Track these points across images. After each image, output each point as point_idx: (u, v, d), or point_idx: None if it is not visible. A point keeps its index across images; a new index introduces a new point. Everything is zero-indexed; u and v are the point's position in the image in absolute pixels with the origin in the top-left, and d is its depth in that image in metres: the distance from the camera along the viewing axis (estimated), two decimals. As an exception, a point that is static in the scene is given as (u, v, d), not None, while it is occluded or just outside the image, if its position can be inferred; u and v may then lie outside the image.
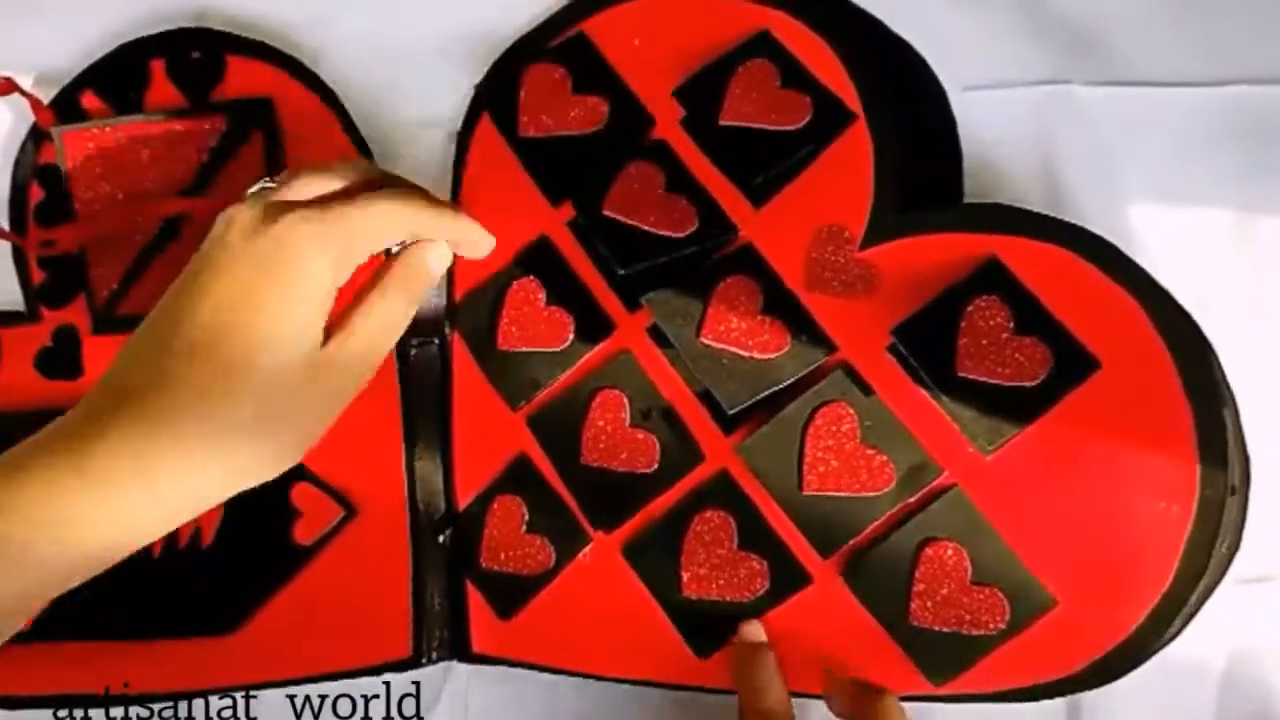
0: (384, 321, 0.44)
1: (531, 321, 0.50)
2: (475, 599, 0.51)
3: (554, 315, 0.50)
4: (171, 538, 0.53)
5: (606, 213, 0.49)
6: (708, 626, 0.47)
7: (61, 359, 0.55)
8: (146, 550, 0.52)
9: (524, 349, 0.51)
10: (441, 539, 0.52)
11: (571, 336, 0.50)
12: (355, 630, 0.51)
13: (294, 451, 0.42)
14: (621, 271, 0.49)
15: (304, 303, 0.40)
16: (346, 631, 0.51)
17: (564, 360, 0.50)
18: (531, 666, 0.51)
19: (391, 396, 0.52)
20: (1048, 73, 0.50)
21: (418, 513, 0.52)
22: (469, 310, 0.52)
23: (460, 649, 0.52)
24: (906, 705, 0.46)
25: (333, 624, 0.51)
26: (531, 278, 0.51)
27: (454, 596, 0.52)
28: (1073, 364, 0.43)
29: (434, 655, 0.51)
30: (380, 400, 0.52)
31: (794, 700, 0.47)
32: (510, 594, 0.51)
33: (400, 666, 0.51)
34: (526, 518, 0.50)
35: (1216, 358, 0.43)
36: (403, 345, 0.52)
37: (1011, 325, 0.44)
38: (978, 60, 0.50)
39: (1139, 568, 0.43)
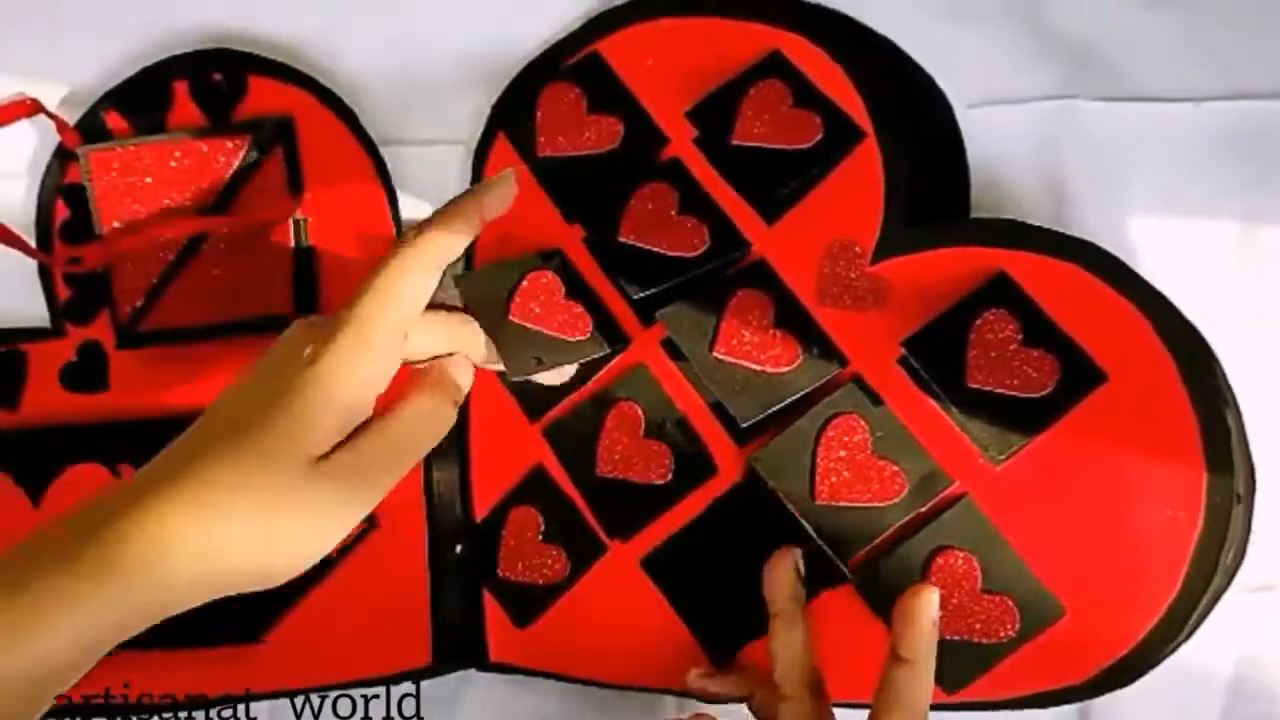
0: (423, 415, 0.42)
1: (548, 318, 0.51)
2: (492, 608, 0.52)
3: (570, 308, 0.51)
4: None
5: (621, 239, 0.50)
6: (726, 634, 0.48)
7: (87, 374, 0.56)
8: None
9: None
10: (459, 549, 0.53)
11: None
12: (376, 639, 0.52)
13: (300, 551, 0.39)
14: (636, 296, 0.49)
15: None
16: (367, 640, 0.52)
17: (580, 373, 0.51)
18: (548, 675, 0.52)
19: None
20: (1052, 88, 0.51)
21: (436, 524, 0.53)
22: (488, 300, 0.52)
23: (478, 657, 0.52)
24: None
25: (354, 633, 0.52)
26: (548, 272, 0.51)
27: (471, 606, 0.52)
28: (1080, 375, 0.44)
29: (452, 663, 0.52)
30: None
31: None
32: (527, 603, 0.51)
33: (419, 675, 0.52)
34: (543, 528, 0.51)
35: (1221, 368, 0.44)
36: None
37: (1020, 337, 0.45)
38: (983, 77, 0.51)
39: (1147, 576, 0.43)
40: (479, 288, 0.51)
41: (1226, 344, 0.44)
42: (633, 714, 0.52)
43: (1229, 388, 0.44)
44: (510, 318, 0.50)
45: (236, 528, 0.38)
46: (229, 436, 0.39)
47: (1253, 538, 0.44)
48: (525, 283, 0.50)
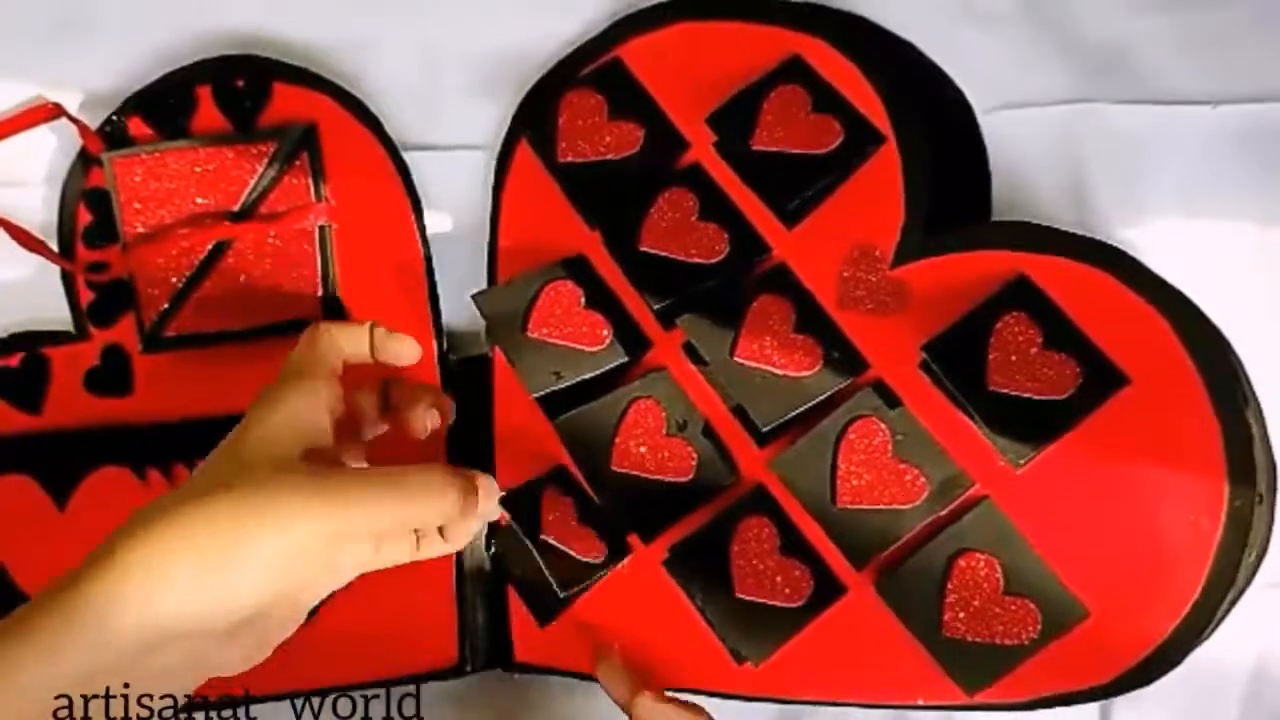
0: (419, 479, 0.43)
1: (566, 318, 0.51)
2: (517, 608, 0.52)
3: (590, 317, 0.51)
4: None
5: (642, 248, 0.50)
6: (747, 633, 0.48)
7: (111, 377, 0.56)
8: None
9: (554, 342, 0.51)
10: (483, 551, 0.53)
11: (607, 343, 0.51)
12: (402, 639, 0.52)
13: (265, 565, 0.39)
14: (656, 306, 0.50)
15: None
16: (394, 641, 0.53)
17: (595, 363, 0.51)
18: (572, 675, 0.52)
19: (434, 412, 0.54)
20: (1073, 92, 0.51)
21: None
22: (503, 295, 0.53)
23: (503, 657, 0.53)
24: (942, 715, 0.47)
25: (380, 633, 0.53)
26: (569, 282, 0.52)
27: (496, 606, 0.53)
28: (1101, 379, 0.44)
29: (478, 663, 0.53)
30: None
31: (830, 709, 0.48)
32: (549, 603, 0.52)
33: (445, 675, 0.52)
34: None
35: (1243, 370, 0.44)
36: (445, 360, 0.54)
37: (1040, 340, 0.45)
38: (1003, 80, 0.51)
39: (1169, 578, 0.43)
40: (497, 303, 0.52)
41: (1247, 344, 0.44)
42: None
43: (1250, 389, 0.44)
44: (528, 333, 0.51)
45: (184, 564, 0.37)
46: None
47: (1273, 535, 0.44)
48: (543, 295, 0.51)
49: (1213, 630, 0.44)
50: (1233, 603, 0.44)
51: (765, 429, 0.48)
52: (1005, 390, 0.45)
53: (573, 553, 0.51)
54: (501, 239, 0.54)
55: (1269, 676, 0.49)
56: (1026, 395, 0.45)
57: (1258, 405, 0.44)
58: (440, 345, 0.54)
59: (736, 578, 0.48)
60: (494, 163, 0.55)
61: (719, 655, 0.49)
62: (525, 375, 0.51)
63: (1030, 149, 0.51)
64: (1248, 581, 0.44)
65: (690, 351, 0.50)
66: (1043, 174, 0.51)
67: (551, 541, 0.51)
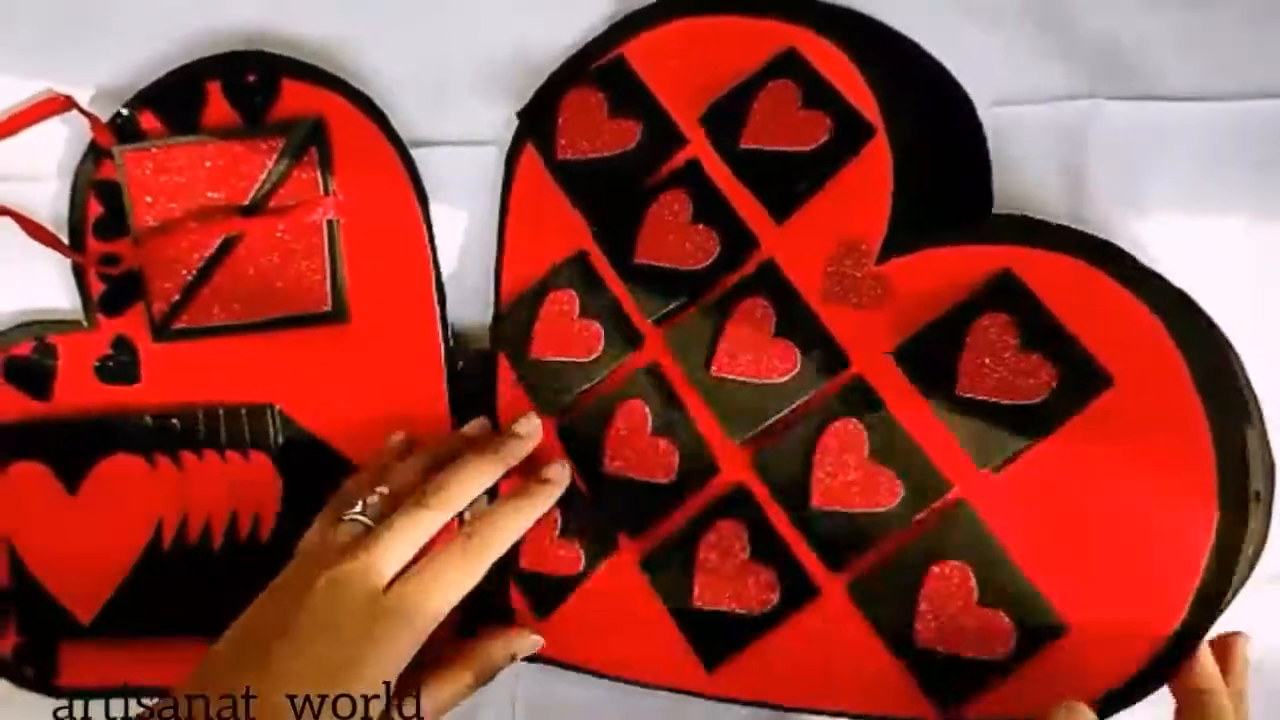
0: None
1: (564, 334, 0.52)
2: (518, 600, 0.52)
3: (585, 328, 0.52)
4: (232, 531, 0.56)
5: (637, 261, 0.51)
6: (716, 639, 0.48)
7: (120, 366, 0.58)
8: (208, 543, 0.56)
9: (555, 359, 0.52)
10: None
11: (601, 348, 0.51)
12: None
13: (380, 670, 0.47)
14: (652, 320, 0.50)
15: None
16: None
17: (592, 371, 0.51)
18: (570, 666, 0.52)
19: (440, 406, 0.55)
20: (1072, 88, 0.49)
21: (462, 518, 0.53)
22: (508, 320, 0.54)
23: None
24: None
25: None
26: (568, 290, 0.52)
27: (500, 596, 0.53)
28: (1082, 380, 0.43)
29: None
30: (429, 409, 0.54)
31: (810, 715, 0.48)
32: (546, 595, 0.52)
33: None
34: (559, 524, 0.52)
35: (1242, 367, 0.42)
36: (450, 355, 0.55)
37: (1017, 342, 0.44)
38: (1003, 76, 0.50)
39: (1156, 592, 0.42)
40: (505, 331, 0.53)
41: (1247, 342, 0.43)
42: (657, 709, 0.52)
43: (1249, 386, 0.42)
44: (531, 355, 0.52)
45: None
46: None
47: (1272, 527, 0.43)
48: (542, 312, 0.52)
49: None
50: (1228, 604, 0.42)
51: (739, 442, 0.48)
52: (975, 395, 0.44)
53: (550, 574, 0.52)
54: (508, 235, 0.54)
55: (1267, 669, 0.46)
56: (997, 400, 0.44)
57: (1257, 403, 0.42)
58: (446, 340, 0.55)
59: (697, 585, 0.48)
60: (503, 158, 0.55)
61: (688, 656, 0.48)
62: (537, 399, 0.52)
63: (1030, 145, 0.49)
64: (1245, 577, 0.42)
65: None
66: (1042, 170, 0.49)
67: (531, 570, 0.52)
